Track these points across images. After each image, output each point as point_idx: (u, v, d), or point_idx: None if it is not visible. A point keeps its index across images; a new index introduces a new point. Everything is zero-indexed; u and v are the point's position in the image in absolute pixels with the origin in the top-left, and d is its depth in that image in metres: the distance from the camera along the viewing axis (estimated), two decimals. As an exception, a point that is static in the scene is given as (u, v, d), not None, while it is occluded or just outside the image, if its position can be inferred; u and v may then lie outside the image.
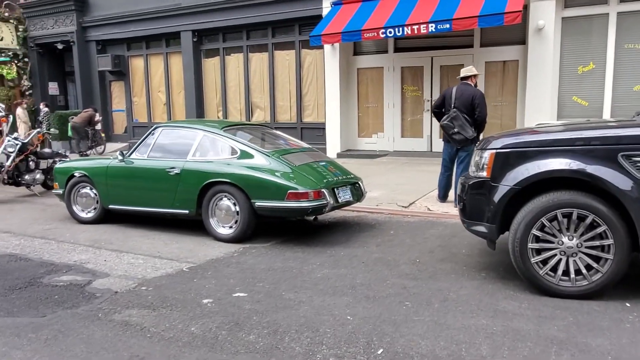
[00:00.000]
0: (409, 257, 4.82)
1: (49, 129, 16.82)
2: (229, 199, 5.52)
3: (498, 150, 3.88)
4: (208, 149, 5.83)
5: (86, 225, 6.56)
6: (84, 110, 15.46)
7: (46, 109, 17.09)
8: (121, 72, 16.85)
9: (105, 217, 6.58)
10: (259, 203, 5.31)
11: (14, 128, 12.28)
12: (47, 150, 9.70)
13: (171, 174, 5.79)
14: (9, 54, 18.34)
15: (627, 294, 3.70)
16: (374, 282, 4.15)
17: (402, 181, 9.02)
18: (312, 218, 5.30)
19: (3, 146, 8.72)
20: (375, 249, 5.18)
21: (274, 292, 3.95)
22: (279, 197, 5.22)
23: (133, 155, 6.25)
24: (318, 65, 13.33)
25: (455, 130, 6.47)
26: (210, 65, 15.19)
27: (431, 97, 12.08)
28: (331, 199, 5.36)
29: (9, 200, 8.48)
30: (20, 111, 16.68)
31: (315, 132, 13.54)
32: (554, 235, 3.67)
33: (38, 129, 9.39)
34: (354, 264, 4.65)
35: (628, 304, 3.54)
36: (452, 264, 4.57)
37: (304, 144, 6.56)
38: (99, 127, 15.64)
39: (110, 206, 6.38)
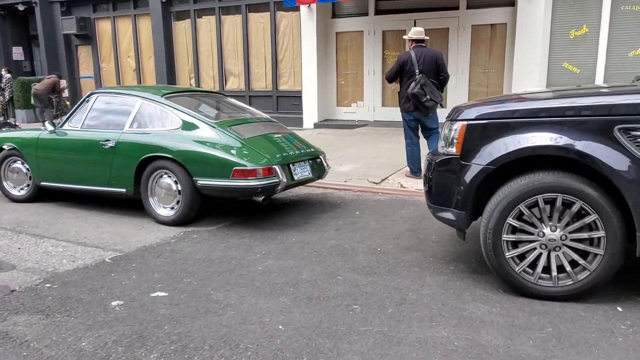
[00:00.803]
0: (370, 245, 4.19)
1: (11, 97, 15.91)
2: (169, 177, 4.83)
3: (470, 122, 3.20)
4: (147, 119, 5.09)
5: (18, 204, 5.84)
6: (47, 77, 14.48)
7: (8, 75, 16.07)
8: (87, 36, 15.82)
9: (41, 195, 5.86)
10: (201, 181, 4.62)
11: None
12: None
13: (105, 147, 5.07)
14: (-32, 15, 17.17)
15: (619, 295, 3.11)
16: (322, 277, 3.51)
17: (378, 154, 8.35)
18: (261, 199, 4.62)
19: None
20: (334, 234, 4.54)
21: (200, 291, 3.31)
22: (223, 175, 4.54)
23: (66, 126, 5.50)
24: (294, 28, 12.46)
25: (428, 97, 6.01)
26: (181, 29, 14.22)
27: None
28: (284, 177, 4.68)
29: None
30: (-21, 77, 15.64)
31: (292, 101, 12.77)
32: (533, 225, 3.04)
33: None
34: (304, 254, 4.01)
35: (620, 309, 2.94)
36: (418, 254, 3.94)
37: (264, 115, 5.83)
38: (65, 94, 14.71)
39: (42, 183, 5.66)
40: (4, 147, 5.88)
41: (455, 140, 3.26)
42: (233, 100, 5.99)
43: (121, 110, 5.22)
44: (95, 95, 5.46)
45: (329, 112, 12.55)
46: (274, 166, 4.62)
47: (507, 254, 3.08)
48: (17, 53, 17.88)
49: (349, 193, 6.18)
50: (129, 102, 5.20)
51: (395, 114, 11.65)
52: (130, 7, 14.89)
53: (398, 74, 6.22)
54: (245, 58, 13.24)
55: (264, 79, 13.20)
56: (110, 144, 5.04)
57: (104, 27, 15.66)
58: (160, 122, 5.01)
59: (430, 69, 6.04)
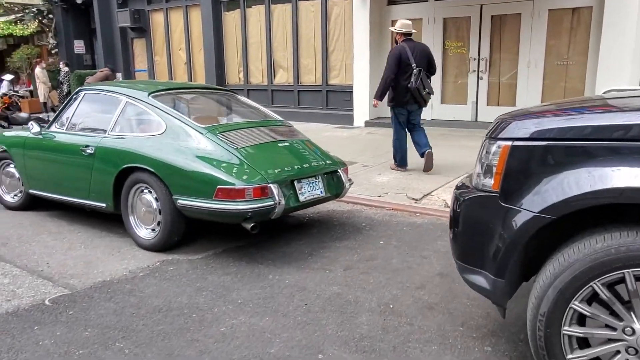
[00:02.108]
0: (382, 298, 3.13)
1: (69, 90, 16.01)
2: (150, 192, 3.99)
3: (521, 143, 2.07)
4: (131, 122, 4.28)
5: (8, 212, 5.26)
6: (100, 70, 14.36)
7: (66, 69, 16.20)
8: (142, 29, 15.59)
9: (39, 202, 5.23)
10: (181, 200, 3.74)
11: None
12: (22, 114, 8.57)
13: (85, 154, 4.32)
14: (33, 9, 17.53)
15: None
16: (298, 354, 2.51)
17: (427, 161, 7.15)
18: (249, 226, 3.65)
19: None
20: (340, 275, 3.50)
21: (125, 368, 2.41)
22: (205, 194, 3.63)
23: (53, 127, 4.82)
24: (346, 17, 11.39)
25: (427, 90, 6.17)
26: (231, 20, 13.56)
27: (478, 55, 9.94)
28: (284, 198, 3.69)
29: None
30: (38, 71, 15.86)
31: (342, 97, 11.74)
32: (616, 315, 1.87)
33: (3, 92, 8.19)
34: (290, 307, 3.02)
35: None
36: (443, 318, 2.84)
37: (276, 118, 4.85)
38: (117, 88, 14.53)
39: (31, 191, 5.03)
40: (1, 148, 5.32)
41: (494, 169, 2.13)
42: (244, 99, 5.06)
43: (106, 111, 4.45)
44: (83, 93, 4.74)
45: (382, 110, 11.34)
46: (269, 185, 3.65)
47: (570, 356, 1.93)
48: (79, 46, 18.08)
49: (381, 212, 5.10)
50: (114, 102, 4.42)
51: (455, 111, 10.34)
52: (181, -3, 14.44)
53: (393, 73, 6.09)
54: (295, 50, 12.34)
55: (313, 72, 12.25)
56: (89, 151, 4.29)
57: (157, 20, 15.34)
58: (144, 126, 4.18)
59: (422, 62, 6.11)
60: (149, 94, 4.24)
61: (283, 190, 3.76)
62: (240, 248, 4.08)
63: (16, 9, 17.99)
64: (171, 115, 4.04)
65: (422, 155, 6.35)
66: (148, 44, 15.72)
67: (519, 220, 1.99)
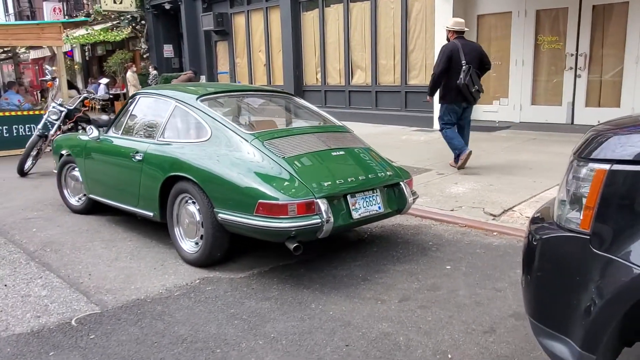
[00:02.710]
0: (439, 344, 2.60)
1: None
2: (193, 203, 3.72)
3: (620, 167, 1.50)
4: (179, 127, 4.06)
5: (70, 216, 5.28)
6: (184, 73, 14.74)
7: (155, 72, 16.88)
8: (224, 32, 15.83)
9: (100, 207, 5.19)
10: (222, 214, 3.43)
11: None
12: (103, 116, 8.78)
13: (135, 160, 4.15)
14: (128, 17, 18.44)
15: None
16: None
17: (513, 169, 6.39)
18: (292, 246, 3.24)
19: (47, 114, 7.91)
20: (394, 308, 3.00)
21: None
22: (246, 208, 3.29)
23: (110, 131, 4.73)
24: (428, 13, 10.72)
25: (476, 87, 6.15)
26: (309, 20, 13.33)
27: (577, 50, 8.89)
28: (333, 215, 3.25)
29: (47, 174, 7.65)
30: (129, 74, 16.63)
31: (422, 98, 10.98)
32: None
33: (84, 95, 8.45)
34: (326, 350, 2.58)
35: None
36: (516, 379, 2.26)
37: (335, 123, 4.40)
38: (200, 90, 14.86)
39: (91, 195, 4.99)
40: (63, 152, 5.37)
41: (583, 201, 1.56)
42: (302, 102, 4.67)
43: (158, 115, 4.27)
44: (138, 97, 4.60)
45: (464, 111, 10.58)
46: (316, 200, 3.22)
47: None
48: (167, 50, 18.76)
49: (452, 229, 4.50)
50: (165, 106, 4.21)
51: (548, 113, 9.35)
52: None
53: (446, 70, 6.14)
54: (373, 49, 11.85)
55: (392, 72, 11.68)
56: (138, 157, 4.12)
57: (239, 22, 15.49)
58: (191, 132, 3.93)
59: (473, 60, 6.16)
60: (197, 98, 3.98)
61: (333, 206, 3.32)
62: (287, 267, 3.70)
63: (112, 16, 19.04)
64: (217, 121, 3.74)
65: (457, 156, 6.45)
66: (230, 46, 15.94)
67: (620, 277, 1.41)
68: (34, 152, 7.68)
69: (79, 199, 5.37)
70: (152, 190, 3.97)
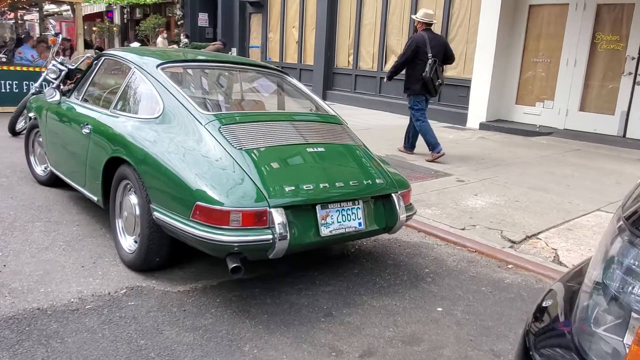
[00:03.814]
0: None
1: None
2: (134, 193, 3.03)
3: None
4: (133, 98, 3.37)
5: (37, 187, 4.69)
6: (213, 43, 14.11)
7: (186, 40, 16.34)
8: (259, 4, 15.09)
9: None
10: (157, 212, 2.72)
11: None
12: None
13: (83, 133, 3.50)
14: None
15: None
16: None
17: (546, 185, 5.48)
18: (231, 265, 2.49)
19: (46, 72, 7.38)
20: (350, 367, 2.25)
21: None
22: (181, 210, 2.57)
23: (73, 96, 4.09)
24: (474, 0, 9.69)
25: (440, 81, 6.24)
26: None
27: (639, 53, 7.75)
28: (287, 230, 2.49)
29: (39, 136, 7.13)
30: (160, 40, 16.14)
31: (458, 92, 10.09)
32: None
33: (88, 54, 7.87)
34: None
35: None
36: None
37: (328, 110, 3.61)
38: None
39: (50, 167, 4.39)
40: (31, 115, 4.78)
41: (634, 317, 0.75)
42: (295, 83, 3.88)
43: (116, 82, 3.59)
44: (103, 58, 3.92)
45: (502, 111, 9.60)
46: (270, 209, 2.47)
47: None
48: (202, 19, 18.17)
49: (459, 253, 3.69)
50: (124, 71, 3.52)
51: (597, 122, 8.27)
52: (301, -28, 13.59)
53: (410, 60, 6.20)
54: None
55: (428, 61, 10.68)
56: (86, 130, 3.46)
57: (276, -6, 14.72)
58: (143, 105, 3.23)
59: (439, 53, 6.19)
60: (158, 65, 3.26)
61: (295, 218, 2.57)
62: (240, 284, 2.98)
63: (151, -22, 18.57)
64: (172, 95, 3.02)
65: (410, 146, 6.76)
66: (264, 19, 15.19)
67: None
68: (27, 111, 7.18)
69: (45, 168, 4.78)
70: (96, 170, 3.32)
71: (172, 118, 2.93)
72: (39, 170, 4.84)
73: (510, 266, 3.50)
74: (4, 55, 9.92)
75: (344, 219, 2.77)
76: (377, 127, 8.65)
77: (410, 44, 6.24)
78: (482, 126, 9.32)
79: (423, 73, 6.11)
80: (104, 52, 4.07)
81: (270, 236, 2.46)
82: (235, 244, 2.43)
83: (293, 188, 2.60)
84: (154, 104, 3.09)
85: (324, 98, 13.05)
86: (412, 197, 3.94)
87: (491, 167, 6.21)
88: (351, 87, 12.44)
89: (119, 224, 3.22)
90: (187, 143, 2.77)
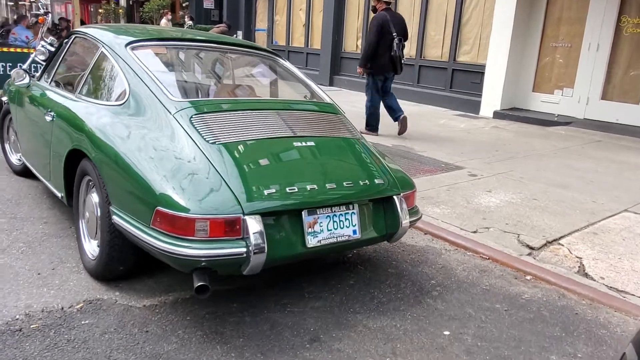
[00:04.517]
0: None
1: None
2: (96, 191, 2.63)
3: None
4: (99, 81, 2.95)
5: (10, 178, 4.32)
6: (217, 26, 13.66)
7: (190, 22, 15.85)
8: (266, -15, 14.55)
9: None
10: (117, 216, 2.32)
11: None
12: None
13: (47, 120, 3.10)
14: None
15: None
16: None
17: (566, 181, 5.01)
18: (197, 283, 2.08)
19: (34, 53, 6.97)
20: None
21: None
22: (141, 214, 2.17)
23: (42, 79, 3.69)
24: (490, -21, 9.11)
25: (404, 58, 6.40)
26: (355, -22, 11.87)
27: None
28: (264, 242, 2.08)
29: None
30: (163, 22, 15.70)
31: (471, 78, 9.57)
32: None
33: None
34: None
35: None
36: None
37: (324, 97, 3.16)
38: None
39: (21, 156, 4.01)
40: (3, 99, 4.39)
41: None
42: (288, 66, 3.42)
43: (83, 63, 3.18)
44: (74, 36, 3.51)
45: (518, 98, 9.08)
46: (244, 217, 2.06)
47: None
48: (208, 1, 17.64)
49: (470, 260, 3.26)
50: (92, 51, 3.10)
51: (620, 112, 7.73)
52: (307, -50, 13.02)
53: (377, 41, 6.26)
54: (422, 18, 10.34)
55: (440, 46, 10.18)
56: (49, 117, 3.06)
57: (281, -25, 14.16)
58: (109, 89, 2.82)
59: (400, 31, 6.31)
60: (128, 43, 2.84)
61: (276, 227, 2.16)
62: (216, 297, 2.58)
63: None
64: (140, 79, 2.60)
65: (396, 119, 6.62)
66: (270, 2, 14.67)
67: None
68: (13, 95, 6.80)
69: (20, 157, 4.40)
70: (59, 163, 2.92)
71: (138, 105, 2.51)
72: (14, 159, 4.46)
73: (528, 277, 3.07)
74: (-2, 36, 9.56)
75: (335, 226, 2.35)
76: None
77: (376, 25, 6.26)
78: (496, 115, 8.82)
79: (392, 52, 6.22)
80: (75, 30, 3.65)
81: (244, 249, 2.04)
82: (202, 258, 2.02)
83: (274, 191, 2.18)
84: (120, 89, 2.67)
85: (331, 83, 12.55)
86: (419, 194, 3.52)
87: (506, 160, 5.75)
88: (359, 72, 11.92)
89: (82, 225, 2.82)
90: (152, 135, 2.36)
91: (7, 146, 4.54)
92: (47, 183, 3.31)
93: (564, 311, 2.69)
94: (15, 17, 10.28)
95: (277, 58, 3.44)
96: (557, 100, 8.54)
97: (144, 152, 2.29)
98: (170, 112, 2.40)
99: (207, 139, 2.30)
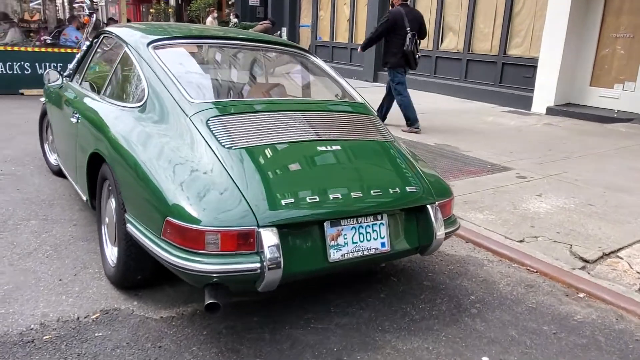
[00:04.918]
0: None
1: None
2: (114, 197, 2.54)
3: None
4: (120, 82, 2.87)
5: (49, 178, 4.36)
6: (261, 23, 13.65)
7: (235, 20, 15.93)
8: (311, -19, 14.41)
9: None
10: (131, 224, 2.21)
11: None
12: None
13: (73, 121, 3.05)
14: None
15: None
16: None
17: (631, 181, 4.59)
18: (207, 301, 1.94)
19: (80, 53, 7.11)
20: None
21: None
22: (153, 224, 2.05)
23: (75, 79, 3.66)
24: (544, -33, 8.59)
25: (419, 54, 6.33)
26: (401, -30, 11.48)
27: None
28: (280, 256, 1.91)
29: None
30: (209, 20, 15.84)
31: (522, 72, 9.09)
32: None
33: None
34: None
35: None
36: None
37: (355, 96, 2.95)
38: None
39: (55, 156, 4.03)
40: (42, 100, 4.43)
41: None
42: (319, 64, 3.23)
43: (109, 63, 3.11)
44: (102, 36, 3.45)
45: (574, 94, 8.53)
46: (259, 229, 1.90)
47: None
48: (254, -1, 17.70)
49: (515, 273, 2.98)
50: (117, 50, 3.02)
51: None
52: (352, -57, 12.76)
53: (385, 33, 6.34)
54: (470, 9, 9.91)
55: (489, 38, 9.72)
56: (74, 118, 3.01)
57: (331, -30, 13.97)
58: (130, 90, 2.72)
59: (415, 27, 6.27)
60: (150, 42, 2.73)
61: (295, 239, 1.99)
62: (237, 310, 2.44)
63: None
64: (159, 79, 2.48)
65: (381, 117, 6.51)
66: (315, -4, 14.52)
67: None
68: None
69: (56, 158, 4.43)
70: (82, 166, 2.87)
71: (155, 107, 2.40)
72: (52, 159, 4.50)
73: (581, 295, 2.76)
74: (50, 37, 9.84)
75: (361, 239, 2.15)
76: (428, 112, 7.86)
77: (388, 18, 6.33)
78: (550, 111, 8.32)
79: (404, 47, 6.19)
80: (103, 29, 3.59)
81: (258, 264, 1.88)
82: (213, 274, 1.87)
83: (293, 200, 2.01)
84: (140, 90, 2.57)
85: (375, 79, 12.28)
86: (460, 198, 3.28)
87: (559, 161, 5.36)
88: (404, 67, 11.58)
89: (104, 230, 2.74)
90: (167, 138, 2.23)
91: (46, 147, 4.58)
92: (74, 185, 3.28)
93: (622, 336, 2.39)
94: (67, 18, 10.57)
95: (308, 55, 3.26)
96: (617, 95, 7.95)
97: (156, 157, 2.16)
98: (187, 115, 2.27)
99: (223, 144, 2.15)
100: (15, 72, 8.55)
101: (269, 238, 1.89)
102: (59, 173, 4.35)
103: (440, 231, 2.34)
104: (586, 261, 3.08)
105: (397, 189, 2.27)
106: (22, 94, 8.51)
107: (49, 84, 3.75)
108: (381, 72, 12.19)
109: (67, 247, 3.05)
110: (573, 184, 4.54)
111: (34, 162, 4.82)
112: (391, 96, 6.62)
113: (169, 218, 1.93)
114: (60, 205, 3.74)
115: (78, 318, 2.33)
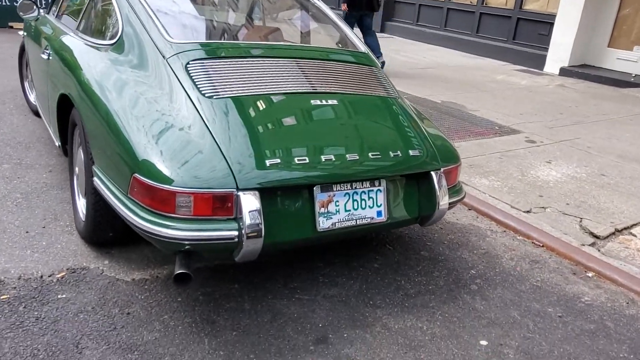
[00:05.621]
0: None
1: None
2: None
3: None
4: (95, 17, 2.55)
5: (27, 118, 4.09)
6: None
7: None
8: None
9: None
10: (97, 177, 1.97)
11: None
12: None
13: (44, 57, 2.75)
14: None
15: None
16: None
17: (641, 154, 4.34)
18: (177, 270, 1.73)
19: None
20: None
21: None
22: (120, 179, 1.81)
23: (51, 11, 3.33)
24: None
25: None
26: None
27: None
28: (261, 223, 1.68)
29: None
30: None
31: (537, 29, 8.61)
32: None
33: None
34: None
35: None
36: None
37: (359, 45, 2.64)
38: None
39: (32, 95, 3.74)
40: (20, 33, 4.10)
41: None
42: (321, 6, 2.90)
43: (87, -5, 2.76)
44: (82, -37, 3.09)
45: (590, 55, 8.10)
46: (237, 192, 1.66)
47: None
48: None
49: (520, 247, 2.77)
50: (95, -20, 2.68)
51: None
52: None
53: None
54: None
55: (505, -9, 9.17)
56: (45, 55, 2.70)
57: None
58: (104, 26, 2.41)
59: None
60: (128, -30, 2.38)
61: (277, 205, 1.75)
62: (218, 275, 2.23)
63: None
64: (136, 15, 2.17)
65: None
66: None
67: None
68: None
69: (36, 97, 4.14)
70: (53, 108, 2.59)
71: (130, 45, 2.11)
72: (32, 98, 4.20)
73: (590, 274, 2.56)
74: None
75: (355, 207, 1.92)
76: (435, 67, 7.48)
77: None
78: (563, 72, 7.92)
79: None
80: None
81: (236, 232, 1.65)
82: (185, 241, 1.65)
83: (279, 161, 1.76)
84: (113, 25, 2.26)
85: (382, 30, 11.74)
86: (465, 161, 3.04)
87: (571, 125, 5.07)
88: (414, 18, 11.06)
89: (75, 180, 2.50)
90: (145, 87, 1.95)
91: (26, 84, 4.29)
92: (48, 127, 3.02)
93: (633, 323, 2.20)
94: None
95: (310, -2, 2.91)
96: (636, 58, 7.54)
97: (127, 104, 1.89)
98: (164, 56, 1.98)
99: (204, 92, 1.87)
100: (3, 4, 8.10)
101: (249, 202, 1.65)
102: (39, 113, 4.08)
103: (443, 201, 2.11)
104: (597, 237, 2.87)
105: (399, 152, 2.02)
106: (11, 27, 8.09)
107: (25, 16, 3.41)
108: (389, 22, 11.66)
109: (39, 196, 2.82)
110: (585, 151, 4.28)
111: (15, 100, 4.54)
112: (367, 33, 6.69)
113: (136, 175, 1.69)
114: (37, 149, 3.49)
115: (42, 276, 2.13)
